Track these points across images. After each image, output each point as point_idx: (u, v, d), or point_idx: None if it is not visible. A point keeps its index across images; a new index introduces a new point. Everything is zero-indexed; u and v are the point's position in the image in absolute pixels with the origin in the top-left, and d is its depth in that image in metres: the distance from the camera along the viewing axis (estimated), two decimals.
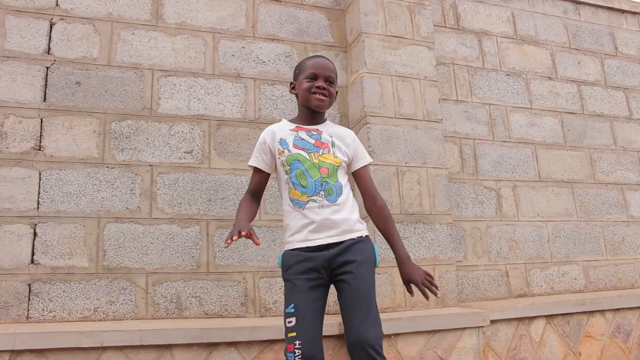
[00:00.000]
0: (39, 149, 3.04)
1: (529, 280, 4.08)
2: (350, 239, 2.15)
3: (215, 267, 3.18)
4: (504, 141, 4.25)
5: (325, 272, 2.14)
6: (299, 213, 2.17)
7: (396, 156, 3.40)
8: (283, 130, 2.28)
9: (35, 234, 2.95)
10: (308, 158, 2.19)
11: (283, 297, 3.20)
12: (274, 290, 3.25)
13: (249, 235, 2.02)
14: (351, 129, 3.63)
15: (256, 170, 2.31)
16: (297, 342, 2.01)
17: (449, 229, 3.47)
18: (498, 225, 4.06)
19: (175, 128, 3.30)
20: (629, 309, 4.01)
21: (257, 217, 3.29)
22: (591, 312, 3.85)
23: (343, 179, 2.24)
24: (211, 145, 3.33)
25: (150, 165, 3.20)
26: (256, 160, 2.30)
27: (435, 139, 3.56)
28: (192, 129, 3.32)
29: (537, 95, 4.49)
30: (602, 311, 3.90)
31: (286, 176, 2.22)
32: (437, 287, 2.13)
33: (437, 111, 3.61)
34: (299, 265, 2.14)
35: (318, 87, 2.22)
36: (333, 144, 2.24)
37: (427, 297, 2.16)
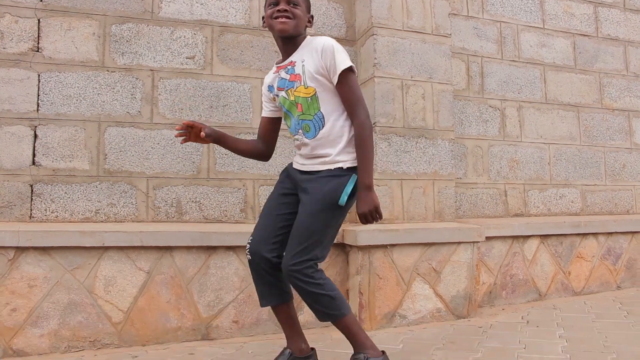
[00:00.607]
0: (37, 51, 2.98)
1: (526, 200, 4.11)
2: (326, 170, 2.08)
3: (215, 173, 3.19)
4: (513, 60, 4.16)
5: (294, 188, 2.21)
6: (296, 145, 2.23)
7: (402, 69, 3.34)
8: (270, 75, 2.27)
9: (35, 136, 2.94)
10: (287, 97, 2.17)
11: None
12: None
13: (194, 124, 2.18)
14: (357, 40, 3.55)
15: (262, 116, 2.36)
16: (250, 238, 2.16)
17: (451, 146, 3.46)
18: (500, 144, 4.05)
19: (177, 33, 3.22)
20: (622, 233, 4.07)
21: None
22: (585, 235, 3.91)
23: (328, 104, 2.10)
24: (214, 52, 3.27)
25: (152, 70, 3.15)
26: (263, 109, 2.35)
27: (443, 54, 3.48)
28: (195, 34, 3.25)
29: (550, 15, 4.35)
30: (595, 234, 3.96)
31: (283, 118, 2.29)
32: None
33: (446, 26, 3.51)
34: (283, 176, 2.27)
35: (279, 11, 2.10)
36: (304, 72, 2.11)
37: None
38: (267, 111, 2.32)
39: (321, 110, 2.10)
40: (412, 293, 3.06)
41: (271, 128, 2.34)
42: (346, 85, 2.07)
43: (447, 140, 3.45)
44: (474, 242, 3.22)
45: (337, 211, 2.06)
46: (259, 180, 3.26)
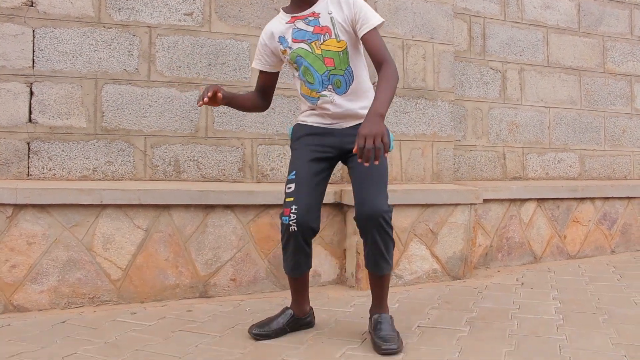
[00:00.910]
0: (31, 5, 2.92)
1: (525, 164, 4.11)
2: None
3: (213, 132, 3.17)
4: (516, 22, 4.10)
5: (334, 150, 2.15)
6: (312, 105, 2.15)
7: (403, 29, 3.29)
8: (280, 25, 2.13)
9: (31, 93, 2.91)
10: (310, 50, 2.06)
11: (280, 164, 3.26)
12: (272, 157, 3.27)
13: (215, 93, 2.08)
14: None
15: (260, 71, 2.25)
16: (293, 207, 2.04)
17: (451, 107, 3.44)
18: (500, 107, 4.02)
19: None
20: (619, 198, 4.09)
21: None
22: (581, 199, 3.93)
23: (355, 59, 2.09)
24: (212, 8, 3.20)
25: (149, 27, 3.09)
26: (258, 62, 2.22)
27: (445, 14, 3.42)
28: None
29: None
30: (592, 199, 3.98)
31: (296, 72, 2.16)
32: (376, 157, 1.77)
33: None
34: (309, 138, 2.16)
35: None
36: (334, 24, 2.05)
37: (360, 158, 1.79)
38: (267, 66, 2.21)
39: (350, 65, 2.07)
40: (408, 254, 3.08)
41: (271, 83, 2.27)
42: (378, 38, 2.02)
43: (447, 101, 3.43)
44: (471, 204, 3.23)
45: (386, 159, 2.10)
46: (257, 140, 3.24)
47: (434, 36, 3.38)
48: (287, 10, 2.14)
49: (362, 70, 2.13)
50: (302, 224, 2.03)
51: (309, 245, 2.11)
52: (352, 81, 2.09)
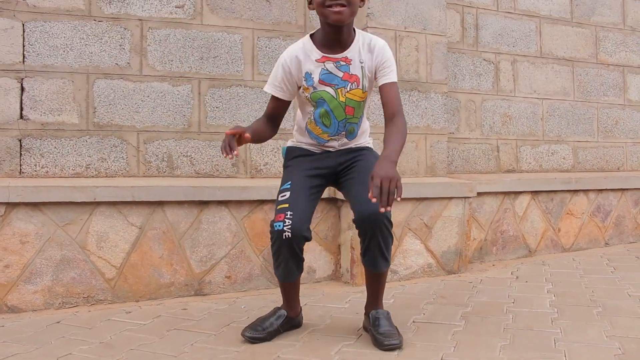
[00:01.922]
0: None
1: (518, 156, 4.12)
2: (356, 147, 2.17)
3: (206, 126, 3.15)
4: (508, 12, 4.08)
5: (329, 170, 2.15)
6: (314, 142, 2.16)
7: (395, 20, 3.27)
8: (309, 60, 2.04)
9: (22, 89, 2.87)
10: (335, 96, 2.04)
11: (273, 159, 3.24)
12: (265, 152, 3.25)
13: (240, 135, 1.91)
14: None
15: (274, 97, 2.12)
16: (288, 213, 1.97)
17: (444, 99, 3.43)
18: (493, 99, 4.02)
19: None
20: (612, 190, 4.11)
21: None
22: (575, 191, 3.94)
23: (365, 106, 2.16)
24: (204, 1, 3.16)
25: (140, 20, 3.05)
26: (277, 89, 2.09)
27: (437, 5, 3.40)
28: None
29: None
30: (585, 191, 3.99)
31: (310, 109, 2.11)
32: (388, 203, 1.73)
33: None
34: (304, 159, 2.16)
35: None
36: (364, 75, 2.04)
37: (373, 199, 1.75)
38: (287, 94, 2.10)
39: (363, 112, 2.15)
40: (403, 248, 3.08)
41: (283, 110, 2.17)
42: (396, 90, 2.03)
43: (440, 93, 3.41)
44: (465, 198, 3.23)
45: None
46: None
47: (427, 27, 3.37)
48: (316, 42, 2.06)
49: (365, 116, 2.21)
50: (297, 230, 1.96)
51: (302, 252, 2.06)
52: (360, 127, 2.16)
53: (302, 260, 2.10)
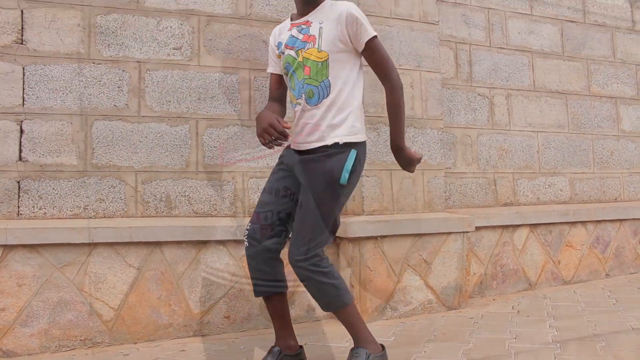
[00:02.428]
0: (21, 43, 2.92)
1: (515, 189, 4.13)
2: (322, 147, 2.02)
3: (204, 166, 3.17)
4: (501, 48, 4.15)
5: (292, 170, 2.15)
6: (295, 113, 2.15)
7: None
8: (283, 30, 2.19)
9: (21, 131, 2.89)
10: (295, 57, 2.08)
11: None
12: None
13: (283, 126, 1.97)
14: None
15: (272, 74, 2.28)
16: (248, 224, 2.10)
17: (440, 135, 3.45)
18: (489, 133, 4.05)
19: (164, 23, 3.17)
20: (610, 221, 4.11)
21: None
22: (573, 223, 3.94)
23: (337, 73, 2.03)
24: (201, 42, 3.22)
25: (138, 62, 3.10)
26: (270, 66, 2.28)
27: (431, 42, 3.46)
28: (181, 24, 3.20)
29: (538, 1, 4.34)
30: (584, 222, 3.99)
31: (287, 80, 2.18)
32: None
33: (434, 13, 3.49)
34: (280, 159, 2.22)
35: None
36: (320, 34, 2.04)
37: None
38: (276, 68, 2.24)
39: (329, 78, 2.03)
40: (403, 285, 3.07)
41: (281, 86, 2.26)
42: (375, 52, 2.06)
43: (435, 129, 3.45)
44: (464, 232, 3.23)
45: (340, 190, 2.00)
46: (248, 173, 3.23)
47: (421, 64, 3.42)
48: (292, 15, 2.20)
49: (347, 85, 2.05)
50: (253, 240, 2.05)
51: (269, 266, 2.06)
52: (327, 95, 2.03)
53: (271, 276, 2.09)
